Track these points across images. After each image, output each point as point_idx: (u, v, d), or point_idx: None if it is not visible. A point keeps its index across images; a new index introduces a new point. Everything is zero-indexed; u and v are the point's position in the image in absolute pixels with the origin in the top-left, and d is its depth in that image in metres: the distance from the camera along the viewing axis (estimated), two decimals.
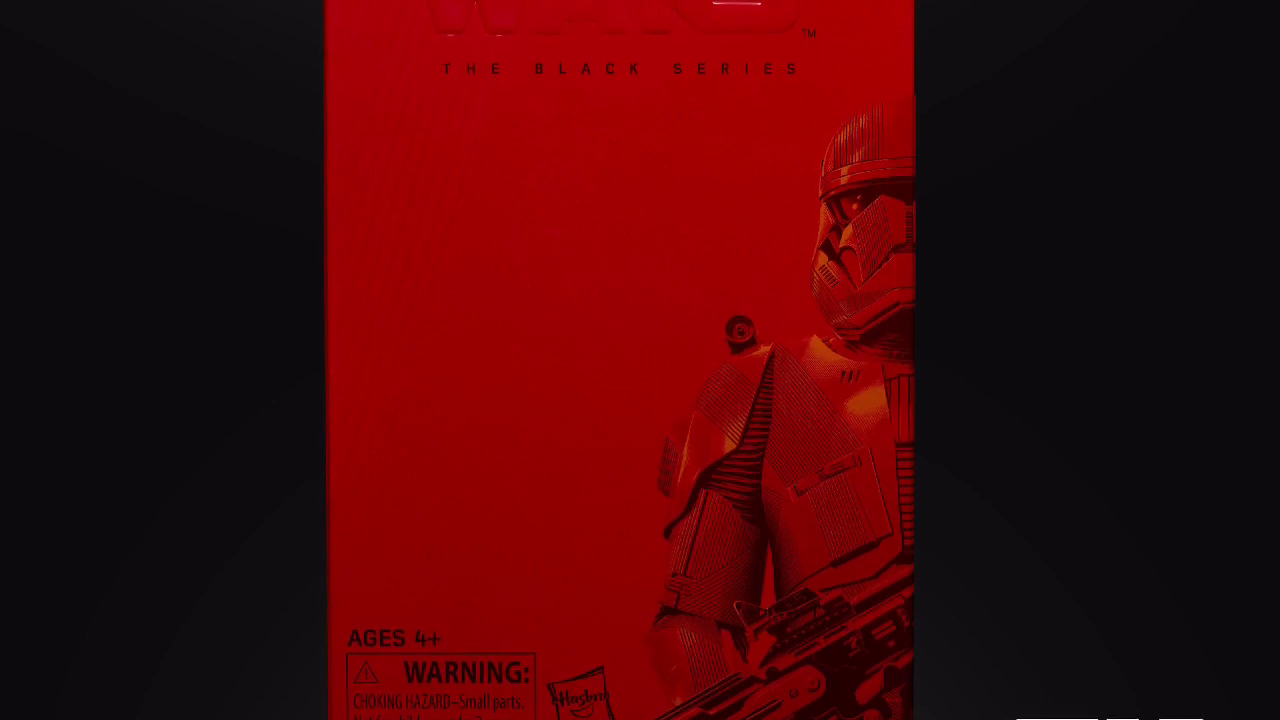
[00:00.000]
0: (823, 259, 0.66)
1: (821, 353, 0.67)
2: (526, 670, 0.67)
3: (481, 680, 0.67)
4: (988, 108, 0.85)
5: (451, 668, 0.67)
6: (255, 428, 0.84)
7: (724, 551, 0.67)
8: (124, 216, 0.85)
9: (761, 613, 0.67)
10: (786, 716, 0.67)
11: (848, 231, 0.66)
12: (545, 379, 0.66)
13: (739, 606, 0.67)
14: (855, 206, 0.66)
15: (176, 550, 0.83)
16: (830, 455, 0.67)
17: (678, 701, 0.67)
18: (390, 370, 0.66)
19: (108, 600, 0.82)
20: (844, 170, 0.66)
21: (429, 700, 0.67)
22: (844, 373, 0.67)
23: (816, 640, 0.67)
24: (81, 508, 0.83)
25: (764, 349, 0.67)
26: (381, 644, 0.67)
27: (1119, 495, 0.85)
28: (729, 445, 0.67)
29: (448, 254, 0.66)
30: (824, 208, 0.66)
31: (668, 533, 0.67)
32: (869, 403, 0.67)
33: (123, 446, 0.84)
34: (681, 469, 0.67)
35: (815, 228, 0.66)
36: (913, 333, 0.67)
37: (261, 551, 0.82)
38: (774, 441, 0.67)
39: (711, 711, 0.67)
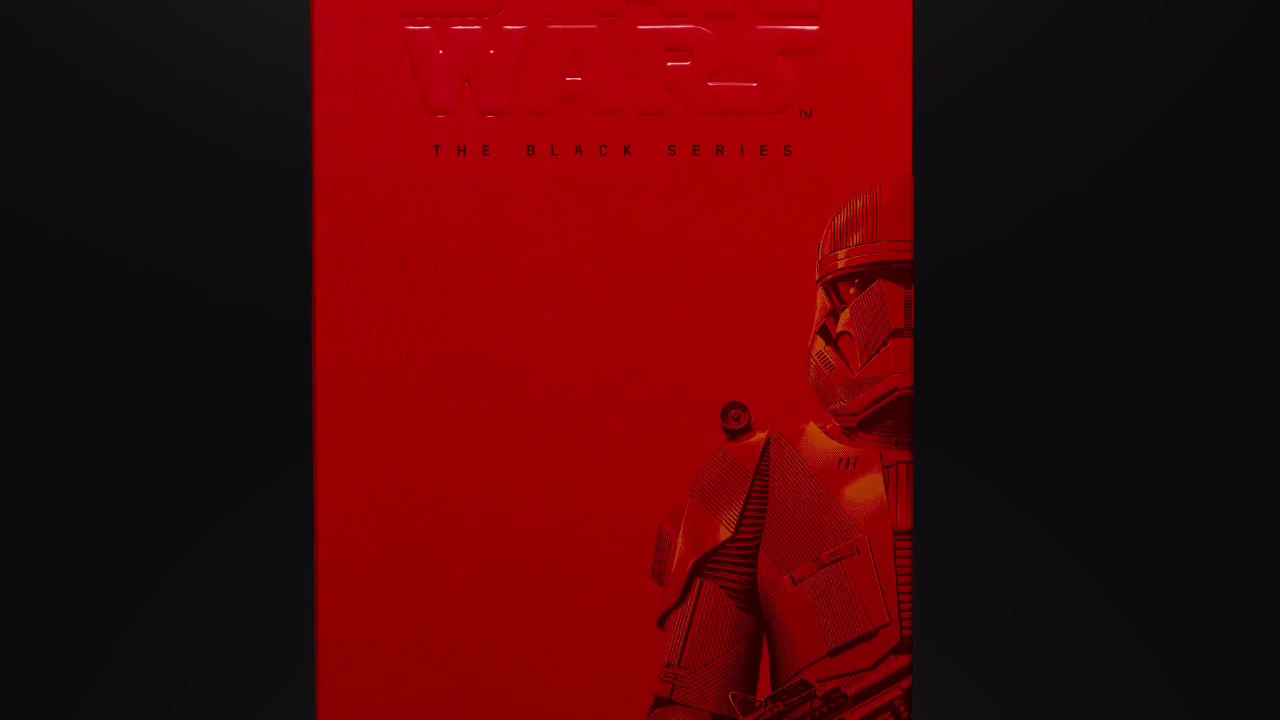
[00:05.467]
0: (820, 344, 0.66)
1: (818, 439, 0.66)
2: None
3: None
4: (987, 188, 0.86)
5: None
6: (240, 517, 0.84)
7: (719, 641, 0.66)
8: (108, 299, 0.85)
9: (757, 704, 0.66)
10: None
11: (845, 316, 0.66)
12: (537, 466, 0.66)
13: (734, 698, 0.66)
14: (853, 291, 0.66)
15: (159, 643, 0.82)
16: (827, 544, 0.66)
17: None
18: (379, 458, 0.65)
19: (84, 695, 0.81)
20: (841, 254, 0.66)
21: None
22: (841, 460, 0.66)
23: None
24: (60, 599, 0.83)
25: (760, 435, 0.66)
26: None
27: (1123, 585, 0.85)
28: (724, 534, 0.66)
29: (438, 339, 0.65)
30: (821, 292, 0.66)
31: (661, 622, 0.66)
32: (867, 490, 0.66)
33: (103, 536, 0.83)
34: (675, 558, 0.66)
35: (812, 312, 0.66)
36: (911, 419, 0.66)
37: (247, 645, 0.82)
38: (770, 530, 0.66)
39: None
